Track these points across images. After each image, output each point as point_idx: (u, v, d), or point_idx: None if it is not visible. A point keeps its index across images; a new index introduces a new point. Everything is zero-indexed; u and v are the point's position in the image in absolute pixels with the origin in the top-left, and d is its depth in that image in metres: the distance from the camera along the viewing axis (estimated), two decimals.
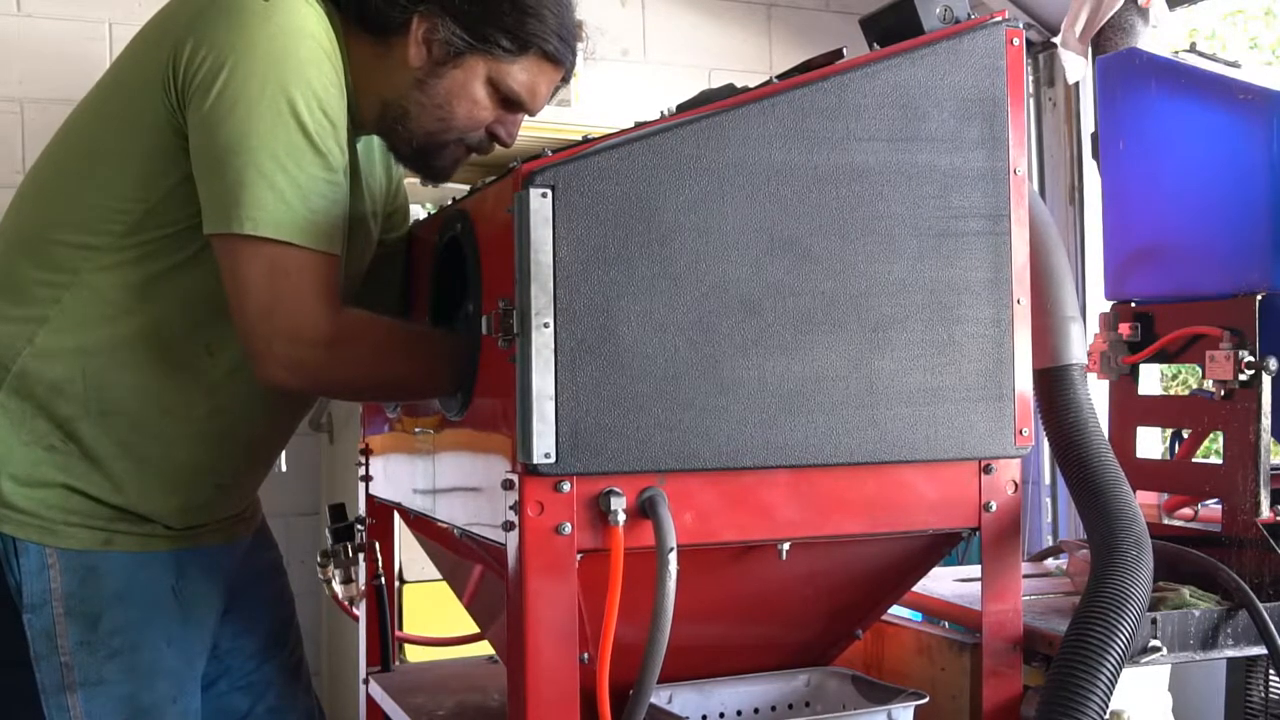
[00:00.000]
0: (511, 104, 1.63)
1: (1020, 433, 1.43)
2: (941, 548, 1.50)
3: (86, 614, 1.55)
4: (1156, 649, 1.50)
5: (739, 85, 1.42)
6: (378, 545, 2.01)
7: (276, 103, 1.43)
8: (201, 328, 1.56)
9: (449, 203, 1.72)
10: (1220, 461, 1.70)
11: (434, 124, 1.62)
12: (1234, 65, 1.83)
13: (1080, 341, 1.60)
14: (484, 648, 1.96)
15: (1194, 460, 1.86)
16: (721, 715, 1.51)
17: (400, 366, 1.55)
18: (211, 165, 1.46)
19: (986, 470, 1.43)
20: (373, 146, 1.76)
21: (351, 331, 1.50)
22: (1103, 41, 2.76)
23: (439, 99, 1.60)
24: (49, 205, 1.58)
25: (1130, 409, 1.88)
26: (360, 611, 2.04)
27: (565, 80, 1.68)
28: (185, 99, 1.46)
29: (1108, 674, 1.28)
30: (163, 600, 1.61)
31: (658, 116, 1.37)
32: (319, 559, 2.04)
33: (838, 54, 1.42)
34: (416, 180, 1.78)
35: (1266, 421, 1.65)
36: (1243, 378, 1.64)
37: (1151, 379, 2.66)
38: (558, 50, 1.61)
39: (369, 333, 1.53)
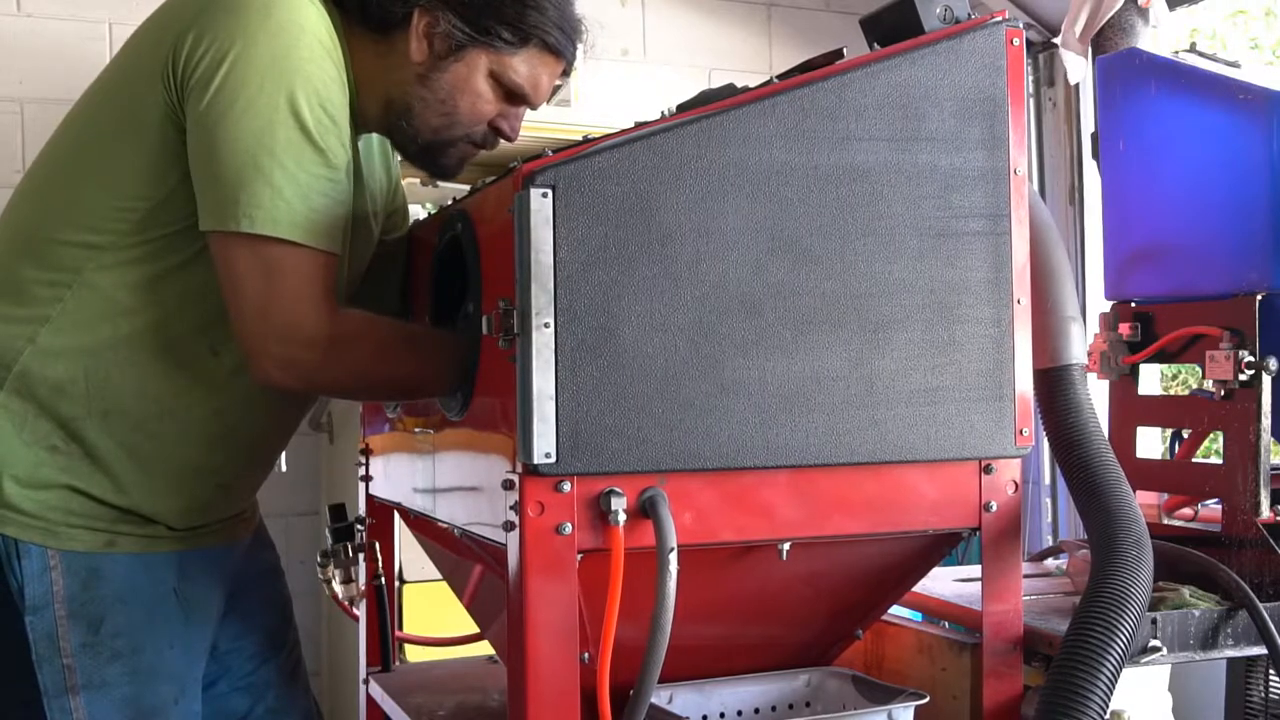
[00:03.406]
0: (514, 97, 1.63)
1: (1020, 433, 1.43)
2: (942, 548, 1.50)
3: (89, 616, 1.55)
4: (1156, 649, 1.50)
5: (739, 85, 1.42)
6: (378, 545, 2.01)
7: (276, 100, 1.43)
8: (205, 327, 1.55)
9: (449, 203, 1.72)
10: (1220, 461, 1.70)
11: (438, 119, 1.62)
12: (1234, 65, 1.83)
13: (1080, 341, 1.60)
14: (484, 648, 1.95)
15: (1194, 460, 1.86)
16: (722, 715, 1.51)
17: (397, 367, 1.55)
18: (209, 162, 1.45)
19: (987, 470, 1.43)
20: (372, 146, 1.76)
21: (348, 331, 1.50)
22: (1103, 41, 2.76)
23: (442, 93, 1.60)
24: (49, 204, 1.57)
25: (1130, 409, 1.88)
26: (360, 611, 2.04)
27: (566, 73, 1.68)
28: (184, 94, 1.46)
29: (1108, 674, 1.28)
30: (165, 602, 1.61)
31: (658, 116, 1.37)
32: (319, 559, 2.03)
33: (838, 54, 1.42)
34: (416, 180, 1.78)
35: (1266, 421, 1.65)
36: (1243, 378, 1.64)
37: (1151, 379, 2.66)
38: (559, 42, 1.61)
39: (366, 333, 1.53)
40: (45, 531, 1.54)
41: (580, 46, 1.66)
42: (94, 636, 1.54)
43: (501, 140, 1.68)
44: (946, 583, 1.77)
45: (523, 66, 1.61)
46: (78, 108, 1.62)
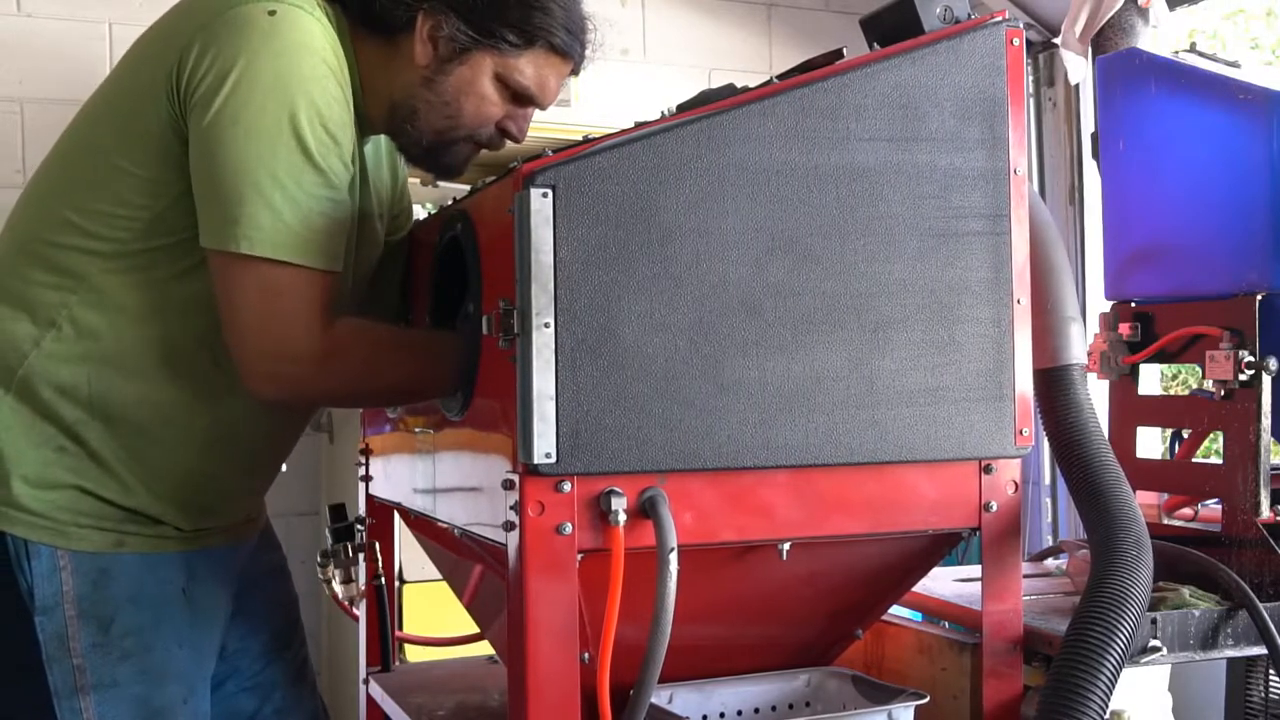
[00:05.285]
0: (521, 99, 1.63)
1: (1020, 433, 1.43)
2: (942, 548, 1.50)
3: (99, 616, 1.55)
4: (1156, 649, 1.50)
5: (739, 85, 1.42)
6: (378, 545, 2.01)
7: (278, 120, 1.43)
8: (207, 337, 1.55)
9: (449, 203, 1.72)
10: (1220, 461, 1.70)
11: (442, 122, 1.62)
12: (1234, 65, 1.83)
13: (1080, 341, 1.60)
14: (484, 648, 1.96)
15: (1194, 460, 1.86)
16: (722, 715, 1.51)
17: (391, 373, 1.55)
18: (210, 181, 1.46)
19: (987, 470, 1.43)
20: (380, 148, 1.76)
21: (341, 344, 1.50)
22: (1103, 41, 2.77)
23: (446, 96, 1.60)
24: (55, 209, 1.57)
25: (1130, 409, 1.88)
26: (360, 611, 2.04)
27: (575, 73, 1.67)
28: (187, 109, 1.46)
29: (1108, 674, 1.28)
30: (174, 602, 1.61)
31: (658, 116, 1.37)
32: (319, 559, 2.04)
33: (838, 54, 1.42)
34: (417, 180, 1.78)
35: (1266, 421, 1.65)
36: (1243, 378, 1.64)
37: (1151, 379, 2.66)
38: (565, 43, 1.60)
39: (357, 343, 1.53)
40: (54, 532, 1.54)
41: (589, 45, 1.66)
42: (104, 636, 1.55)
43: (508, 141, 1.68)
44: (946, 583, 1.77)
45: (529, 68, 1.60)
46: (82, 114, 1.62)
